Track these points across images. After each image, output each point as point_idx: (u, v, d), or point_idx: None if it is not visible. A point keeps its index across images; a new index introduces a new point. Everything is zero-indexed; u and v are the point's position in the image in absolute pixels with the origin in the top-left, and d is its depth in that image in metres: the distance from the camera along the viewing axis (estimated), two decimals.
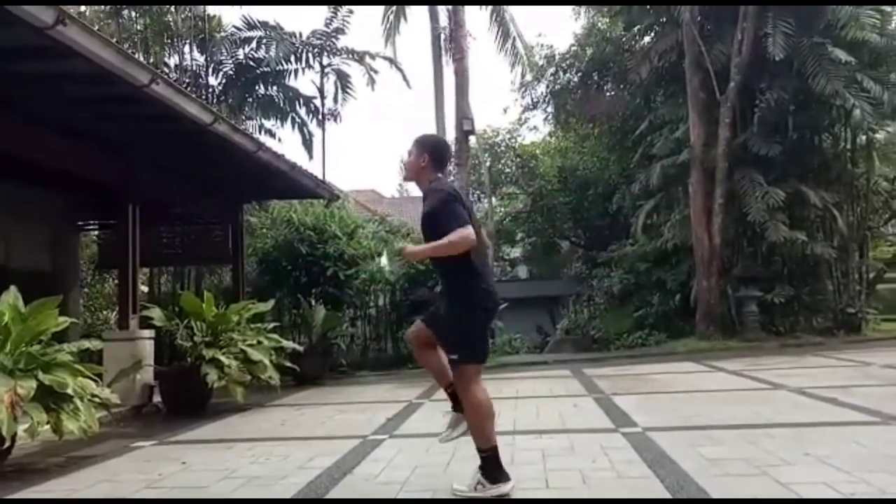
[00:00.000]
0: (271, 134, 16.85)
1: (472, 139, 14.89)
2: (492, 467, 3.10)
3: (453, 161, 14.63)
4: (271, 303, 8.21)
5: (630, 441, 4.11)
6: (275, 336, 7.18)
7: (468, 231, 3.04)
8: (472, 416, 3.14)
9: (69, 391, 4.18)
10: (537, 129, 23.32)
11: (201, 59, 15.37)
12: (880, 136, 12.38)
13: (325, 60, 17.02)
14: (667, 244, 13.14)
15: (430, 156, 3.36)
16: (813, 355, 9.23)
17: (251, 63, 15.90)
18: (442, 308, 3.31)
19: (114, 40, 5.17)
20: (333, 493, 3.27)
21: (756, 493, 2.86)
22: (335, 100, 17.42)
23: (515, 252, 25.55)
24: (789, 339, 11.15)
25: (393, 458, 4.01)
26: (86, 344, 4.86)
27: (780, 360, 8.82)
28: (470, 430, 3.18)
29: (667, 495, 2.94)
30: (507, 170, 22.43)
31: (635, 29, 15.39)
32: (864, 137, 12.11)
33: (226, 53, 15.64)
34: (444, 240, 3.04)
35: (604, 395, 6.30)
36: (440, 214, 3.12)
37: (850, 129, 12.12)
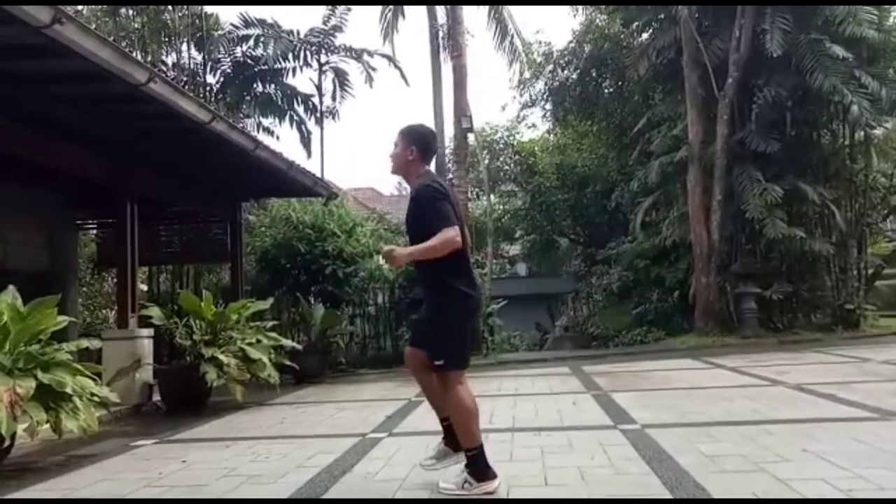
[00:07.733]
0: (269, 132, 16.91)
1: (471, 136, 14.86)
2: (479, 465, 3.08)
3: (452, 159, 14.62)
4: (270, 301, 8.20)
5: (628, 438, 4.12)
6: (274, 334, 7.18)
7: (454, 232, 2.92)
8: (457, 416, 3.10)
9: (68, 390, 4.18)
10: (535, 127, 23.36)
11: (199, 57, 15.40)
12: (878, 132, 12.36)
13: (323, 58, 17.05)
14: (665, 241, 13.17)
15: (417, 148, 3.21)
16: (811, 351, 9.25)
17: (249, 61, 15.92)
18: (424, 311, 3.21)
19: (111, 39, 5.16)
20: (333, 491, 3.28)
21: (754, 490, 2.87)
22: (333, 98, 17.49)
23: (515, 249, 25.58)
24: (788, 336, 11.16)
25: (392, 455, 4.01)
26: (85, 343, 4.87)
27: (779, 356, 8.83)
28: (456, 430, 3.14)
29: (665, 492, 2.95)
30: (506, 167, 22.44)
31: (633, 25, 15.36)
32: (862, 133, 12.10)
33: (223, 51, 15.66)
34: (429, 243, 2.91)
35: (602, 392, 6.31)
36: (426, 213, 3.01)
37: (849, 125, 12.12)
